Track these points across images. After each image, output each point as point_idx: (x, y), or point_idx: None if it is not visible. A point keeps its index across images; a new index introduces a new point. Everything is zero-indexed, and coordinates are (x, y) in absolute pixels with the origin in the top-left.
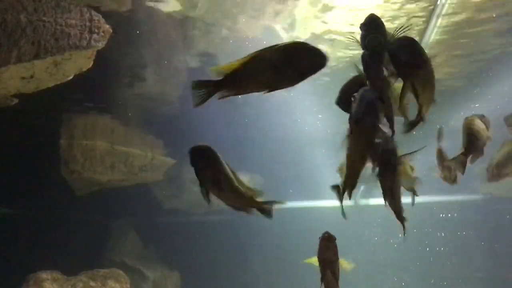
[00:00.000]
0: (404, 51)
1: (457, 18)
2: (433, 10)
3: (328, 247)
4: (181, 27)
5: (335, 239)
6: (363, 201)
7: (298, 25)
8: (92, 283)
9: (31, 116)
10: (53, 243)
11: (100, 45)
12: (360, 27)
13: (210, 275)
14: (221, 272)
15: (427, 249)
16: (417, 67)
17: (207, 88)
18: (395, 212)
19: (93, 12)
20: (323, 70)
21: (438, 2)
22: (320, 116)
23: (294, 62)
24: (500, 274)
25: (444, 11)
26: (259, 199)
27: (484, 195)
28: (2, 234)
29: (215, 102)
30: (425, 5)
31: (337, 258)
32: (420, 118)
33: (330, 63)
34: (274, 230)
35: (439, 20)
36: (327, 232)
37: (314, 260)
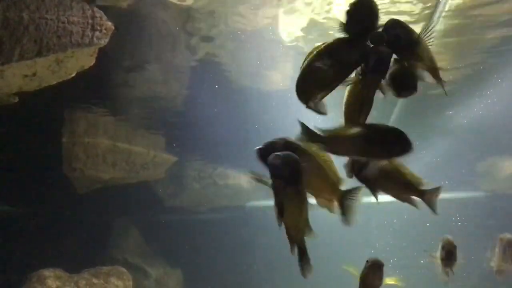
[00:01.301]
0: (399, 32)
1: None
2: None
3: (375, 274)
4: (183, 22)
5: (383, 265)
6: (365, 199)
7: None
8: (95, 280)
9: (33, 114)
10: (55, 241)
11: (103, 42)
12: (347, 12)
13: (212, 272)
14: (223, 270)
15: (428, 246)
16: (415, 43)
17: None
18: None
19: (95, 9)
20: None
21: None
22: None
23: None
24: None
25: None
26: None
27: (486, 192)
28: (4, 232)
29: (217, 99)
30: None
31: (381, 284)
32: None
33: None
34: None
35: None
36: (376, 259)
37: (353, 270)
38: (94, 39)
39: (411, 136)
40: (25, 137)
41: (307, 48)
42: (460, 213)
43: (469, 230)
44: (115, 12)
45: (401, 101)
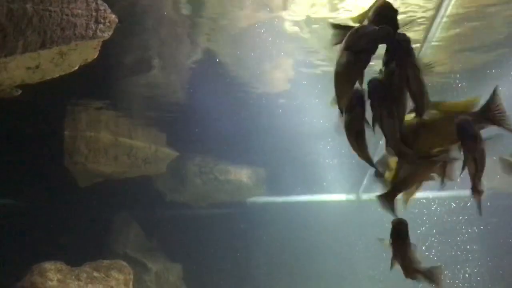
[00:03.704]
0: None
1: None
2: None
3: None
4: (186, 17)
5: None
6: (365, 196)
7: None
8: (95, 274)
9: (36, 108)
10: (56, 234)
11: (106, 35)
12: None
13: (212, 268)
14: (223, 265)
15: (428, 245)
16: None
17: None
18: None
19: (99, 2)
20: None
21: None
22: (324, 109)
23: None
24: (503, 270)
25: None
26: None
27: (487, 190)
28: (5, 225)
29: (218, 95)
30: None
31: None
32: None
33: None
34: (276, 223)
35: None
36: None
37: None
38: (98, 32)
39: None
40: (27, 130)
41: (310, 44)
42: (460, 211)
43: (470, 228)
44: (118, 5)
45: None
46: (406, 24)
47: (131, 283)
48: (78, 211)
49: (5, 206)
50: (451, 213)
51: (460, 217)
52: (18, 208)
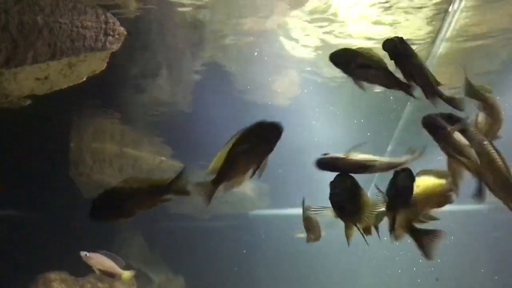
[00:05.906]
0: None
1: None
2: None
3: None
4: (191, 31)
5: None
6: None
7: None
8: (100, 285)
9: (42, 118)
10: (60, 245)
11: (115, 47)
12: None
13: (214, 280)
14: (225, 278)
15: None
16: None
17: None
18: None
19: (109, 14)
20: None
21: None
22: (327, 123)
23: None
24: (506, 284)
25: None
26: None
27: (490, 205)
28: (11, 236)
29: (223, 106)
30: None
31: None
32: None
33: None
34: (278, 236)
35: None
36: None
37: None
38: (107, 43)
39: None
40: (33, 140)
41: (315, 58)
42: (463, 226)
43: (473, 243)
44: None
45: (406, 113)
46: None
47: None
48: (82, 222)
49: (10, 216)
50: (453, 227)
51: (461, 231)
52: (22, 219)
